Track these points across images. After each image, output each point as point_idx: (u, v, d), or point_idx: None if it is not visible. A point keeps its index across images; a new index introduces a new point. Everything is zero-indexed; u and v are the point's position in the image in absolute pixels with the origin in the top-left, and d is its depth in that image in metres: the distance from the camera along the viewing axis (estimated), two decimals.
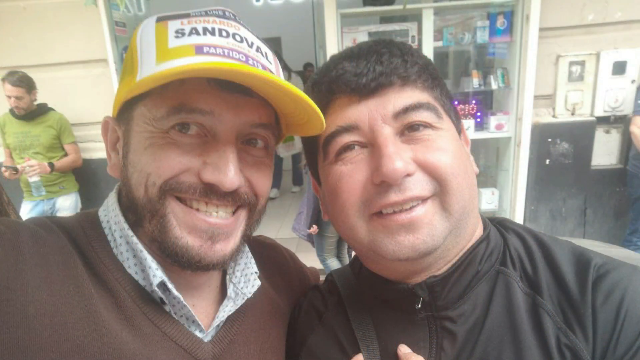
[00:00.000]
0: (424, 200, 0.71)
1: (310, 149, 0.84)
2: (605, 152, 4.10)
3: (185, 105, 0.66)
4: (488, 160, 4.61)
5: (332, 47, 3.92)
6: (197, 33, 0.66)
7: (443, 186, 0.71)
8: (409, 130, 0.72)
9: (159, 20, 0.69)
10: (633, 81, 3.89)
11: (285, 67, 6.13)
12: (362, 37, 3.94)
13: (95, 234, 0.72)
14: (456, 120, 0.81)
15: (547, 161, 4.10)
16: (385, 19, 4.48)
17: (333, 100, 0.76)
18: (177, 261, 0.69)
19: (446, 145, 0.73)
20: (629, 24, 3.85)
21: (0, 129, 3.95)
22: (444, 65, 4.78)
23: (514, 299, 0.73)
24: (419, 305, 0.77)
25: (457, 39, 3.98)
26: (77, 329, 0.60)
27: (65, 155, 4.08)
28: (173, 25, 0.67)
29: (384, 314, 0.83)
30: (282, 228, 5.73)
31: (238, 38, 0.69)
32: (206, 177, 0.67)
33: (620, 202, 4.18)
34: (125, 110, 0.72)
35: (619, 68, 3.87)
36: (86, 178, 4.38)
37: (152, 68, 0.65)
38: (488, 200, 4.37)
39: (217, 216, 0.71)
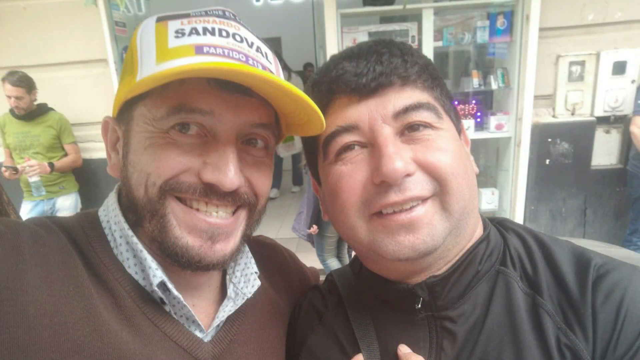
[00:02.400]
0: (424, 200, 0.71)
1: (310, 149, 0.84)
2: (605, 152, 4.10)
3: (185, 105, 0.66)
4: (488, 160, 4.61)
5: (332, 47, 3.92)
6: (197, 33, 0.66)
7: (443, 186, 0.71)
8: (409, 130, 0.72)
9: (159, 20, 0.69)
10: (633, 81, 3.89)
11: (285, 67, 6.13)
12: (362, 37, 3.94)
13: (95, 234, 0.72)
14: (456, 120, 0.81)
15: (547, 161, 4.10)
16: (385, 19, 4.48)
17: (333, 100, 0.76)
18: (177, 261, 0.69)
19: (446, 145, 0.73)
20: (629, 24, 3.85)
21: (0, 129, 3.95)
22: (444, 65, 4.78)
23: (514, 299, 0.73)
24: (419, 305, 0.77)
25: (457, 39, 3.98)
26: (77, 329, 0.60)
27: (65, 155, 4.08)
28: (173, 25, 0.67)
29: (384, 314, 0.83)
30: (282, 228, 5.73)
31: (238, 38, 0.69)
32: (206, 177, 0.67)
33: (620, 202, 4.18)
34: (125, 110, 0.72)
35: (619, 68, 3.87)
36: (86, 178, 4.38)
37: (152, 68, 0.65)
38: (488, 200, 4.37)
39: (217, 216, 0.71)
